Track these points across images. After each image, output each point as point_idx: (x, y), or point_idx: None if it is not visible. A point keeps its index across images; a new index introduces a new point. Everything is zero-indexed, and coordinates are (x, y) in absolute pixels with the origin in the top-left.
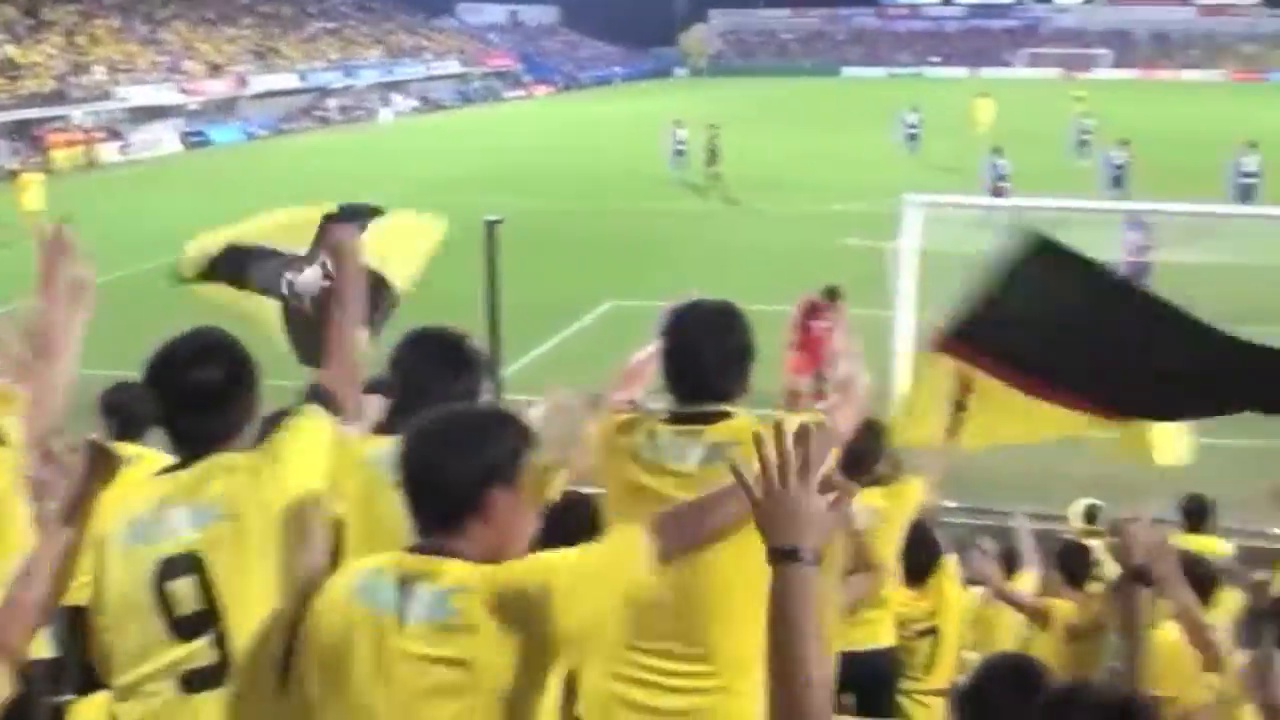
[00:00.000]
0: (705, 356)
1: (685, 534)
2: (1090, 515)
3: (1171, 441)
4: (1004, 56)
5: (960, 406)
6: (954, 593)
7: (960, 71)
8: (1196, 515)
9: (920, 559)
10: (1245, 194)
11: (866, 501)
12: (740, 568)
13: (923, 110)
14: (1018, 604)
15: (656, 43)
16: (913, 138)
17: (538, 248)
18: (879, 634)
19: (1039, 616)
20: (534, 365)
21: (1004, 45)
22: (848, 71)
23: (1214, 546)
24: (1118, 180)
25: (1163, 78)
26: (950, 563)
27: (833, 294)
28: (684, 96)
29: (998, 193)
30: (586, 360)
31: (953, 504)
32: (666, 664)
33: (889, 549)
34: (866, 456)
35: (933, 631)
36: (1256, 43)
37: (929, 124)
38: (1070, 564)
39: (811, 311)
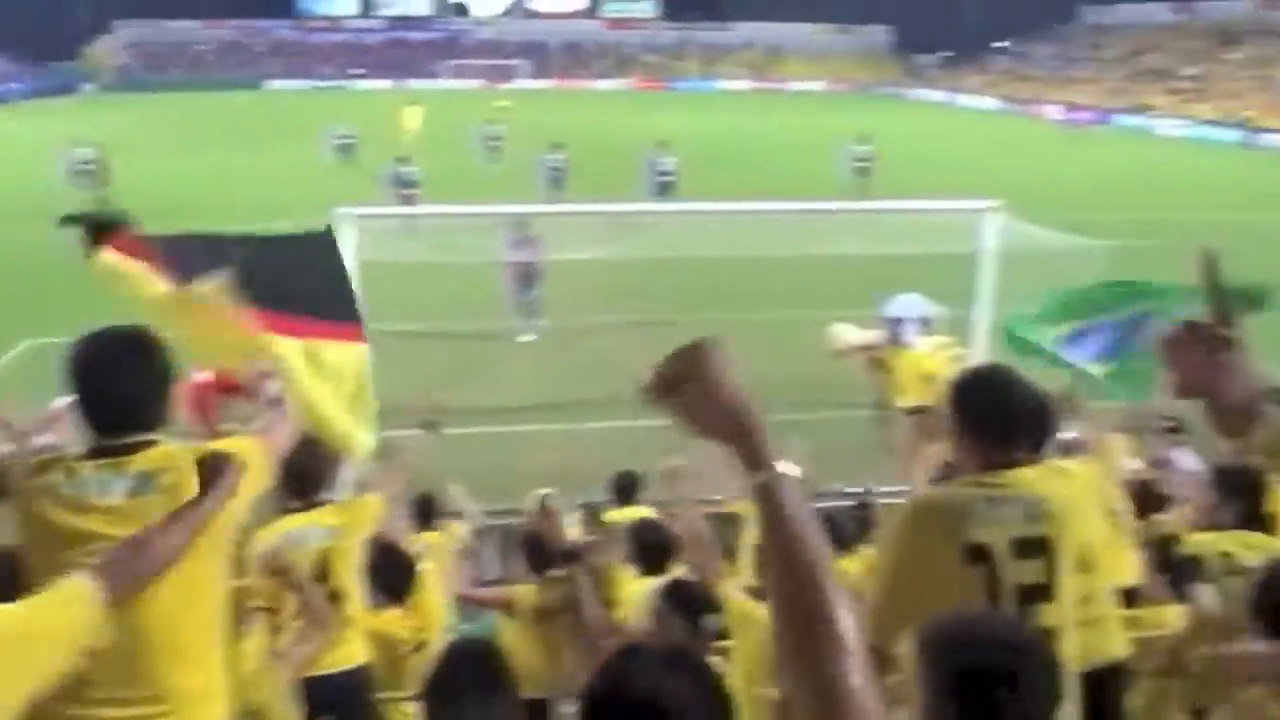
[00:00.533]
0: (120, 386)
1: (132, 573)
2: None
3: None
4: (428, 68)
5: None
6: (436, 604)
7: (384, 83)
8: (627, 490)
9: (397, 577)
10: (663, 190)
11: (321, 521)
12: (187, 602)
13: (353, 122)
14: (481, 601)
15: (57, 56)
16: (346, 149)
17: None
18: (351, 654)
19: (505, 605)
20: None
21: (427, 57)
22: (270, 85)
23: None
24: (557, 182)
25: (578, 87)
26: (429, 574)
27: None
28: (90, 114)
29: (405, 200)
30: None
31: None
32: (117, 712)
33: (347, 568)
34: (310, 474)
35: (422, 646)
36: (657, 54)
37: (361, 135)
38: (531, 552)
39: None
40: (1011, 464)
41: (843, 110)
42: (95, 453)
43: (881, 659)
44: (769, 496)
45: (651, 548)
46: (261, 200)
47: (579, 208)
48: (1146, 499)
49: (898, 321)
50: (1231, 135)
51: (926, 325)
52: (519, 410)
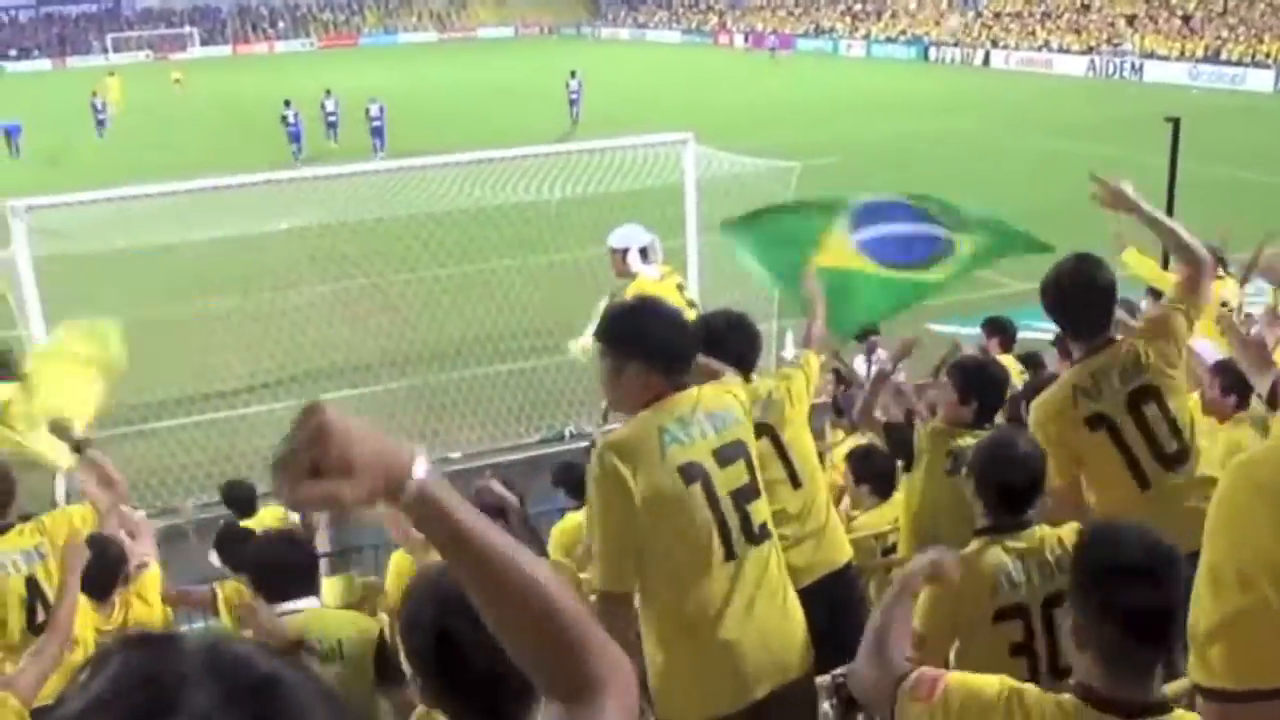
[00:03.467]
0: None
1: None
2: None
3: None
4: (90, 43)
5: None
6: (149, 606)
7: (45, 63)
8: (245, 502)
9: (99, 576)
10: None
11: (20, 545)
12: None
13: (14, 108)
14: (192, 602)
15: None
16: (9, 138)
17: None
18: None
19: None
20: None
21: (88, 32)
22: None
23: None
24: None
25: (256, 51)
26: (148, 576)
27: None
28: None
29: None
30: None
31: None
32: None
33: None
34: None
35: None
36: (336, 10)
37: (27, 122)
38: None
39: None
40: (684, 387)
41: (536, 54)
42: None
43: (622, 604)
44: (426, 500)
45: None
46: None
47: (299, 174)
48: None
49: (623, 251)
50: (909, 52)
51: (647, 253)
52: (236, 393)
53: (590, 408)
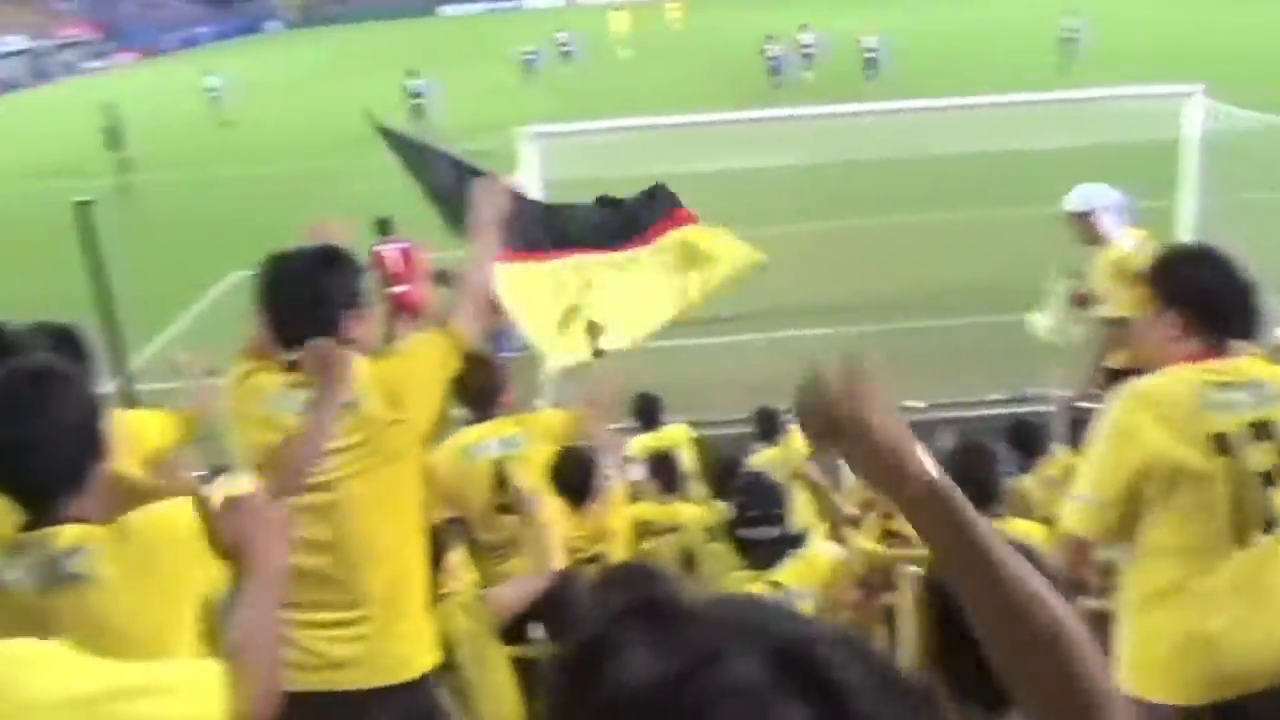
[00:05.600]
0: (302, 297)
1: (289, 469)
2: None
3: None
4: None
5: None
6: (616, 517)
7: (559, 1)
8: (650, 414)
9: (574, 483)
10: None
11: (499, 433)
12: (379, 502)
13: (535, 39)
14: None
15: None
16: (529, 66)
17: (148, 227)
18: None
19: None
20: (170, 346)
21: None
22: (445, 10)
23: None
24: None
25: None
26: (614, 487)
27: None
28: (274, 53)
29: None
30: (223, 334)
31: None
32: (310, 615)
33: (525, 480)
34: (485, 390)
35: (596, 559)
36: None
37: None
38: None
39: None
40: (1226, 350)
41: None
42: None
43: (1087, 552)
44: (938, 498)
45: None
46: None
47: (777, 113)
48: None
49: (1087, 214)
50: None
51: (1123, 214)
52: (712, 322)
53: (1053, 369)
